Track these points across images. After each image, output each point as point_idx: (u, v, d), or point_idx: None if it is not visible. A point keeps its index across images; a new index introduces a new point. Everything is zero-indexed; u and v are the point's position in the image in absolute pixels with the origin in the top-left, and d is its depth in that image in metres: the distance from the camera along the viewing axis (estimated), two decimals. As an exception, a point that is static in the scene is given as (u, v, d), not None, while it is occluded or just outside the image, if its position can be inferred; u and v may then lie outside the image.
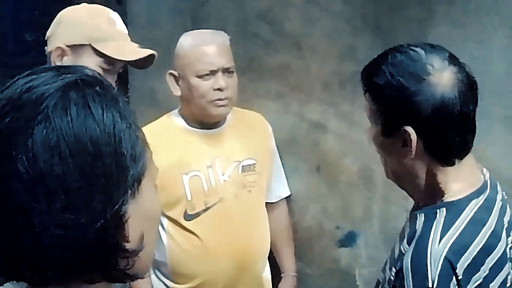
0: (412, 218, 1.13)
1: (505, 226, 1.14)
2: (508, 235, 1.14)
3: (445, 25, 1.80)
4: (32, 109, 0.63)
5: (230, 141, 1.93)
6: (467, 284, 1.02)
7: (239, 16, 2.22)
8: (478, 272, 1.04)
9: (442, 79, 1.06)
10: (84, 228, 0.62)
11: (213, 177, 1.87)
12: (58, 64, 1.47)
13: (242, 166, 1.92)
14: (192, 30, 2.28)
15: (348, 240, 2.11)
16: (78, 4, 1.57)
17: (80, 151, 0.62)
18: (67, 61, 1.47)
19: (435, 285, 1.00)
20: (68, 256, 0.63)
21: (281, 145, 2.09)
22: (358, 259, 2.12)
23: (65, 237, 0.62)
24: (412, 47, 1.10)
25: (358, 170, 2.08)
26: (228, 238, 1.86)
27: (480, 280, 1.04)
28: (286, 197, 2.15)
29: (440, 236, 1.03)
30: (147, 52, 1.51)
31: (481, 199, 1.11)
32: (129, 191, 0.66)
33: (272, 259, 2.09)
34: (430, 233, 1.04)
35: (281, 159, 2.13)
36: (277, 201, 2.11)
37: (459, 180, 1.11)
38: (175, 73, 1.86)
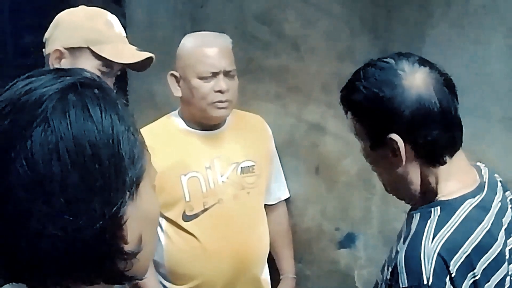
0: (409, 218, 1.14)
1: (503, 227, 1.14)
2: (508, 237, 1.14)
3: (443, 26, 1.80)
4: (31, 112, 0.63)
5: (229, 143, 1.93)
6: (462, 281, 1.03)
7: (237, 18, 2.23)
8: (473, 270, 1.05)
9: (415, 81, 1.08)
10: (83, 230, 0.62)
11: (211, 179, 1.87)
12: (56, 66, 1.47)
13: (241, 167, 1.92)
14: (191, 32, 2.29)
15: (347, 241, 2.11)
16: (77, 6, 1.58)
17: (79, 153, 0.62)
18: (65, 63, 1.47)
19: (430, 282, 1.01)
20: (67, 258, 0.63)
21: (280, 147, 2.09)
22: (357, 260, 2.12)
23: (63, 238, 0.62)
24: (381, 59, 1.14)
25: (357, 171, 2.08)
26: (227, 240, 1.86)
27: (476, 277, 1.05)
28: (285, 199, 2.15)
29: (434, 234, 1.04)
30: (145, 55, 1.51)
31: (476, 199, 1.11)
32: (128, 193, 0.66)
33: (271, 261, 2.08)
34: (424, 231, 1.06)
35: (280, 161, 2.13)
36: (276, 203, 2.11)
37: (451, 179, 1.12)
38: (176, 74, 1.86)
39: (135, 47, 1.53)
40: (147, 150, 0.73)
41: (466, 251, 1.04)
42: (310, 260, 2.21)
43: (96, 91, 0.67)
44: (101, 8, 1.57)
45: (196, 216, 1.85)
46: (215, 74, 1.81)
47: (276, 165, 2.09)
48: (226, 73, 1.84)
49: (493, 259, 1.08)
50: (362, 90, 1.11)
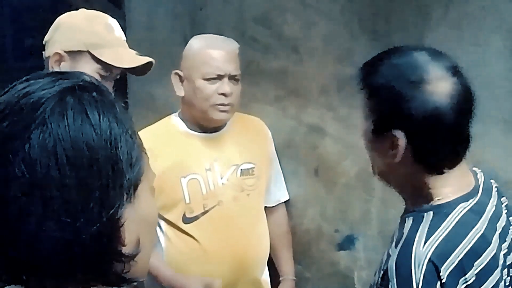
0: (401, 222, 1.13)
1: (497, 231, 1.12)
2: (502, 241, 1.13)
3: (442, 28, 1.80)
4: (29, 114, 0.63)
5: (229, 145, 1.93)
6: (454, 287, 1.01)
7: (237, 20, 2.23)
8: (465, 275, 1.03)
9: (438, 88, 1.04)
10: (80, 232, 0.62)
11: (211, 181, 1.87)
12: (56, 69, 1.47)
13: (241, 169, 1.92)
14: (190, 34, 2.29)
15: (347, 243, 2.11)
16: (77, 9, 1.58)
17: (77, 155, 0.63)
18: (65, 66, 1.48)
19: (420, 286, 0.99)
20: (64, 260, 0.63)
21: (279, 149, 2.10)
22: (357, 262, 2.12)
23: (61, 240, 0.62)
24: (414, 51, 1.10)
25: (356, 173, 2.08)
26: (227, 242, 1.86)
27: (469, 282, 1.03)
28: (285, 201, 2.15)
29: (425, 239, 1.03)
30: (145, 59, 1.52)
31: (470, 203, 1.09)
32: (125, 196, 0.66)
33: (271, 263, 2.09)
34: (415, 236, 1.04)
35: (279, 163, 2.13)
36: (276, 205, 2.11)
37: (448, 185, 1.10)
38: (181, 73, 1.87)
39: (135, 52, 1.54)
40: (146, 153, 0.73)
41: (459, 256, 1.03)
42: (309, 262, 2.22)
43: (94, 94, 0.67)
44: (101, 10, 1.58)
45: (196, 218, 1.85)
46: (220, 77, 1.82)
47: (276, 167, 2.10)
48: (231, 77, 1.84)
49: (486, 264, 1.06)
50: (384, 77, 1.08)
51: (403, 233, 1.08)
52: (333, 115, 2.10)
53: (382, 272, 1.08)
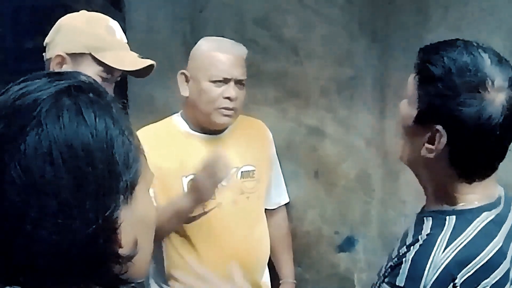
0: (418, 221, 1.10)
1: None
2: None
3: (441, 30, 1.81)
4: (25, 115, 0.63)
5: (230, 147, 1.93)
6: None
7: (236, 22, 2.23)
8: (478, 286, 1.02)
9: (497, 99, 1.00)
10: (76, 233, 0.62)
11: (212, 182, 1.87)
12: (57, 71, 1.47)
13: (241, 172, 1.92)
14: (190, 36, 2.30)
15: (347, 245, 2.11)
16: (77, 11, 1.58)
17: (72, 157, 0.62)
18: (66, 68, 1.47)
19: None
20: (60, 261, 0.63)
21: (279, 151, 2.10)
22: (357, 263, 2.12)
23: (56, 242, 0.62)
24: (480, 51, 1.05)
25: (356, 175, 2.08)
26: (226, 244, 1.86)
27: None
28: (285, 204, 2.15)
29: (447, 244, 1.01)
30: (147, 62, 1.52)
31: (493, 213, 1.07)
32: (122, 197, 0.66)
33: (271, 266, 2.08)
34: (437, 239, 1.02)
35: (279, 165, 2.13)
36: (276, 208, 2.11)
37: (475, 193, 1.07)
38: (187, 73, 1.86)
39: (137, 54, 1.54)
40: (143, 154, 0.73)
41: (476, 266, 1.01)
42: (309, 264, 2.22)
43: (90, 95, 0.67)
44: (101, 12, 1.58)
45: (195, 218, 1.85)
46: (226, 81, 1.82)
47: (277, 170, 2.09)
48: (237, 82, 1.84)
49: (500, 277, 1.04)
50: (444, 68, 1.02)
51: (421, 233, 1.06)
52: (333, 117, 2.10)
53: (391, 264, 1.06)
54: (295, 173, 2.18)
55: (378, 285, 1.09)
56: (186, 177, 1.84)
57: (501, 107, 1.01)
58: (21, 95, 0.65)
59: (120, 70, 1.49)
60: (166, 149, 1.82)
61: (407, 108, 1.11)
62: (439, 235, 1.03)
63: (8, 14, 2.37)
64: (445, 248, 1.01)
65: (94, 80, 0.72)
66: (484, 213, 1.06)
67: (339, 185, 2.12)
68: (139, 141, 0.73)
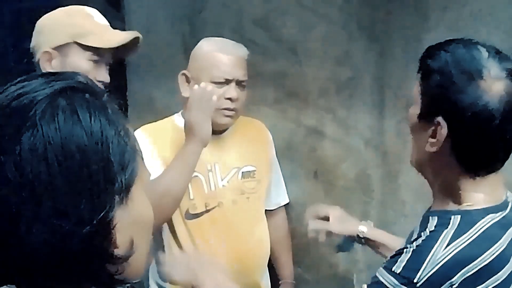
0: (424, 220, 1.11)
1: None
2: None
3: (439, 30, 1.81)
4: (20, 116, 0.63)
5: (231, 147, 1.93)
6: None
7: (236, 23, 2.23)
8: (475, 287, 1.02)
9: (493, 88, 1.02)
10: (71, 234, 0.63)
11: (212, 181, 1.87)
12: (48, 68, 1.49)
13: (242, 172, 1.92)
14: (189, 37, 2.30)
15: (346, 245, 2.11)
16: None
17: (67, 157, 0.63)
18: (56, 63, 1.49)
19: (420, 282, 1.00)
20: (55, 261, 0.63)
21: (278, 151, 2.10)
22: (356, 264, 2.12)
23: (51, 242, 0.62)
24: (479, 46, 1.08)
25: (356, 175, 2.08)
26: (226, 243, 1.86)
27: None
28: (284, 204, 2.15)
29: (449, 242, 1.02)
30: (132, 34, 1.53)
31: (498, 216, 1.07)
32: (117, 198, 0.66)
33: (270, 266, 2.09)
34: (440, 236, 1.03)
35: (279, 166, 2.13)
36: (276, 209, 2.12)
37: (480, 192, 1.08)
38: (188, 74, 1.86)
39: (120, 31, 1.55)
40: (140, 155, 0.73)
41: (477, 267, 1.01)
42: (309, 264, 2.22)
43: (86, 95, 0.67)
44: (99, 12, 1.59)
45: (198, 215, 1.85)
46: (227, 82, 1.82)
47: (276, 171, 2.10)
48: (238, 83, 1.84)
49: (500, 282, 1.05)
50: (441, 61, 1.06)
51: (425, 231, 1.06)
52: (332, 117, 2.10)
53: (398, 251, 1.07)
54: (295, 173, 2.18)
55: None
56: None
57: (499, 97, 1.02)
58: (17, 95, 0.65)
59: (108, 49, 1.50)
60: (170, 145, 1.82)
61: (412, 109, 1.13)
62: (443, 232, 1.03)
63: (8, 15, 2.38)
64: (447, 246, 1.01)
65: (90, 80, 0.72)
66: (490, 215, 1.06)
67: (338, 186, 2.12)
68: (135, 141, 0.73)
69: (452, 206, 1.09)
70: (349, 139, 2.07)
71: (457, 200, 1.09)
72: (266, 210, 2.04)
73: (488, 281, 1.03)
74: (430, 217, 1.09)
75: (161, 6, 2.45)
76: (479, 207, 1.07)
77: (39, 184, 0.61)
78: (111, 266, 0.67)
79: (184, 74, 1.85)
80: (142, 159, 0.74)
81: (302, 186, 2.18)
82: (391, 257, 1.07)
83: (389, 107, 1.99)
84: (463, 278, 1.01)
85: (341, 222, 1.60)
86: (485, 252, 1.03)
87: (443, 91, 1.05)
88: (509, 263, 1.06)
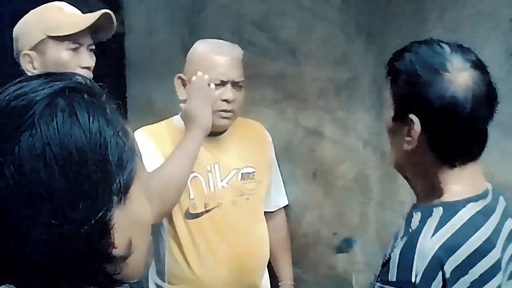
0: (408, 217, 1.12)
1: (503, 238, 1.12)
2: (506, 248, 1.12)
3: (438, 31, 1.81)
4: (19, 116, 0.64)
5: (230, 149, 1.93)
6: (454, 283, 1.02)
7: (235, 24, 2.24)
8: (466, 274, 1.03)
9: (458, 79, 1.06)
10: (69, 234, 0.63)
11: (212, 182, 1.87)
12: (32, 71, 1.50)
13: (242, 173, 1.92)
14: (188, 38, 2.30)
15: (345, 246, 2.12)
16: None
17: (65, 158, 0.63)
18: (37, 63, 1.51)
19: (417, 280, 1.00)
20: (54, 261, 0.64)
21: (277, 152, 2.10)
22: (355, 264, 2.12)
23: (50, 243, 0.62)
24: (440, 43, 1.12)
25: (354, 176, 2.09)
26: (225, 244, 1.86)
27: (468, 284, 1.03)
28: (284, 206, 2.16)
29: (433, 232, 1.03)
30: (100, 12, 1.54)
31: (479, 205, 1.10)
32: (115, 198, 0.67)
33: (270, 267, 2.09)
34: (422, 229, 1.04)
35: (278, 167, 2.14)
36: (275, 210, 2.11)
37: (459, 183, 1.10)
38: (184, 77, 1.86)
39: (91, 13, 1.56)
40: (138, 155, 0.73)
41: (463, 255, 1.03)
42: (308, 265, 2.22)
43: (85, 96, 0.67)
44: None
45: (198, 215, 1.85)
46: (223, 83, 1.81)
47: (276, 172, 2.09)
48: (234, 84, 1.83)
49: (489, 267, 1.06)
50: (406, 62, 1.10)
51: (410, 227, 1.08)
52: (331, 118, 2.10)
53: (385, 260, 1.07)
54: (293, 174, 2.19)
55: (373, 285, 1.10)
56: None
57: (466, 87, 1.06)
58: (16, 96, 0.66)
59: (83, 33, 1.51)
60: (170, 146, 1.83)
61: (387, 113, 1.17)
62: (425, 225, 1.05)
63: (7, 16, 2.38)
64: (432, 237, 1.03)
65: (90, 80, 0.73)
66: (471, 204, 1.09)
67: (337, 186, 2.12)
68: (134, 142, 0.73)
69: (434, 200, 1.11)
70: (348, 140, 2.08)
71: (439, 193, 1.11)
72: (265, 211, 2.04)
73: (477, 266, 1.04)
74: (414, 213, 1.11)
75: (160, 7, 2.46)
76: (460, 198, 1.09)
77: (37, 184, 0.62)
78: (110, 266, 0.67)
79: (180, 77, 1.85)
80: (141, 159, 0.74)
81: (301, 186, 2.19)
82: (382, 266, 1.07)
83: (387, 108, 1.99)
84: (453, 266, 1.02)
85: None
86: (470, 238, 1.04)
87: (412, 88, 1.09)
88: (495, 249, 1.08)
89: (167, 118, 1.95)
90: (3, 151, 0.62)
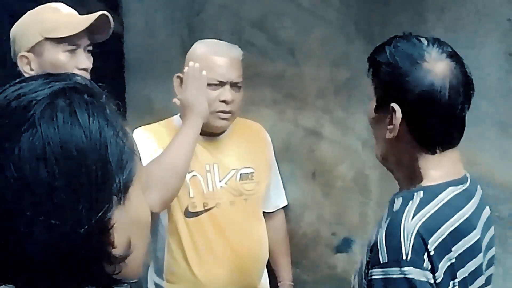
0: (391, 202, 1.17)
1: (483, 221, 1.18)
2: (486, 230, 1.19)
3: (437, 31, 1.81)
4: (19, 117, 0.64)
5: (229, 149, 1.93)
6: (439, 261, 1.06)
7: (234, 25, 2.24)
8: (450, 252, 1.08)
9: (436, 68, 1.11)
10: (69, 234, 0.63)
11: (211, 182, 1.88)
12: (29, 72, 1.50)
13: (240, 174, 1.92)
14: (188, 39, 2.30)
15: (344, 246, 2.12)
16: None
17: (66, 158, 0.63)
18: (35, 65, 1.51)
19: (408, 257, 1.03)
20: (53, 261, 0.64)
21: (276, 152, 2.10)
22: (354, 265, 2.11)
23: (49, 242, 0.63)
24: (417, 36, 1.18)
25: (353, 176, 2.09)
26: (224, 244, 1.87)
27: (452, 261, 1.08)
28: (283, 207, 2.16)
29: (414, 213, 1.07)
30: (97, 14, 1.54)
31: (459, 188, 1.15)
32: (115, 198, 0.67)
33: (269, 268, 2.09)
34: (404, 210, 1.09)
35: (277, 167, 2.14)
36: (275, 211, 2.12)
37: (439, 169, 1.15)
38: (183, 77, 1.86)
39: (89, 15, 1.56)
40: (138, 155, 0.73)
41: (444, 233, 1.07)
42: (307, 265, 2.22)
43: (85, 96, 0.68)
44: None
45: (197, 214, 1.85)
46: (222, 84, 1.81)
47: (275, 173, 2.10)
48: (233, 85, 1.84)
49: (469, 247, 1.11)
50: (386, 54, 1.16)
51: (393, 211, 1.13)
52: (330, 118, 2.10)
53: (370, 247, 1.10)
54: (293, 174, 2.19)
55: (365, 273, 1.12)
56: (189, 172, 1.83)
57: (443, 76, 1.11)
58: (17, 96, 0.66)
59: (80, 35, 1.51)
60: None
61: (369, 105, 1.22)
62: (406, 207, 1.09)
63: (7, 17, 2.38)
64: (413, 218, 1.07)
65: (90, 81, 0.73)
66: (451, 187, 1.14)
67: (336, 187, 2.12)
68: (133, 142, 0.73)
69: (415, 185, 1.16)
70: (347, 140, 2.08)
71: (420, 179, 1.15)
72: (265, 212, 2.05)
73: (459, 245, 1.09)
74: (396, 199, 1.15)
75: (159, 8, 2.46)
76: (440, 182, 1.14)
77: (37, 184, 0.62)
78: (109, 266, 0.67)
79: (178, 76, 1.85)
80: (140, 159, 0.74)
81: (300, 187, 2.19)
82: (370, 251, 1.10)
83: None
84: (435, 245, 1.05)
85: None
86: (450, 219, 1.10)
87: (392, 78, 1.15)
88: (475, 230, 1.14)
89: (166, 118, 1.95)
90: (3, 151, 0.63)
